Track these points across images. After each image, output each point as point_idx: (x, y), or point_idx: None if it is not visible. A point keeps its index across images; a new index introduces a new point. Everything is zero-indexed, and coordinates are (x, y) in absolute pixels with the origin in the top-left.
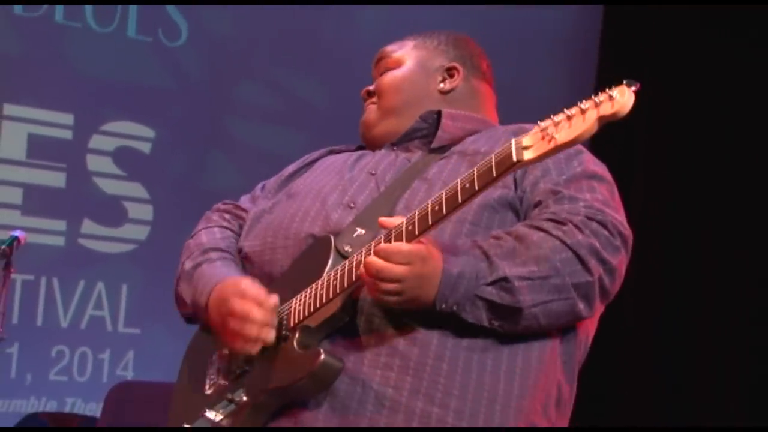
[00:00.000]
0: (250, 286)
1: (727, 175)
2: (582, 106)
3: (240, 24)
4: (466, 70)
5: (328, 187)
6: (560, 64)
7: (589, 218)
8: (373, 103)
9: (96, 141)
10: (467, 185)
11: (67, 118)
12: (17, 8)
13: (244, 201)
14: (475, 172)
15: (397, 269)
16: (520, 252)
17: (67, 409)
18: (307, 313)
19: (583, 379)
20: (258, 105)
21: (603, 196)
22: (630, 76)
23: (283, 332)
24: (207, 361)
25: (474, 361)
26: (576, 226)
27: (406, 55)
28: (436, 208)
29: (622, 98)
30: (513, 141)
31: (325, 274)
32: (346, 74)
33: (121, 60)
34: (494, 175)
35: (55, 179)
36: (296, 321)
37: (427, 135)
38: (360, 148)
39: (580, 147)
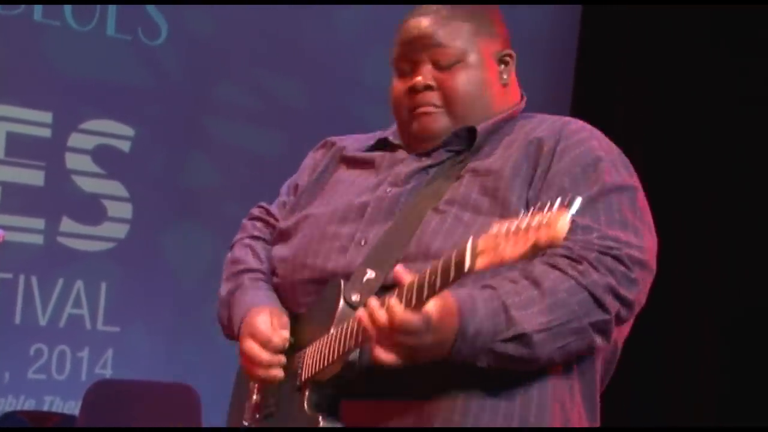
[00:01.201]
0: (260, 324)
1: (705, 175)
2: (525, 225)
3: (220, 24)
4: (513, 51)
5: (341, 212)
6: (538, 65)
7: (603, 253)
8: (436, 106)
9: (75, 139)
10: (432, 279)
11: (46, 117)
12: None
13: (275, 206)
14: (439, 267)
15: (400, 338)
16: (538, 300)
17: (45, 408)
18: (316, 370)
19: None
20: (237, 104)
21: (621, 216)
22: (607, 76)
23: (298, 383)
24: (248, 387)
25: (486, 405)
26: (591, 264)
27: (469, 45)
28: (423, 287)
29: (556, 227)
30: (469, 245)
31: (332, 327)
32: (325, 74)
33: (101, 58)
34: (450, 278)
35: (34, 177)
36: (308, 375)
37: (458, 151)
38: (378, 141)
39: (597, 152)
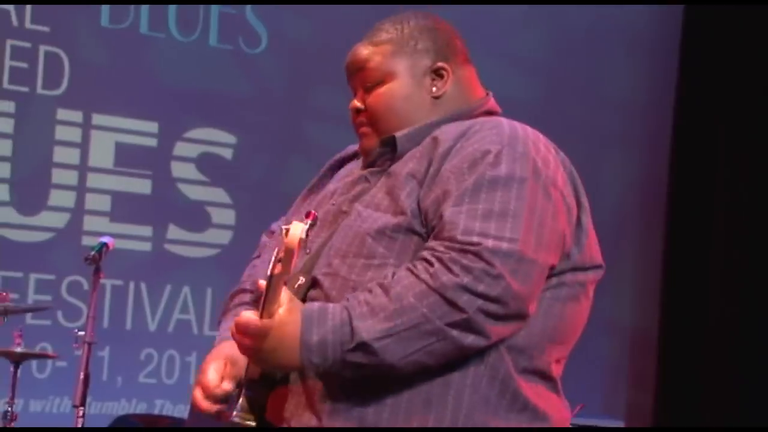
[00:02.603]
0: (209, 373)
1: None
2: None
3: (318, 28)
4: (451, 63)
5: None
6: (640, 64)
7: (463, 251)
8: (365, 125)
9: (180, 148)
10: (267, 283)
11: (152, 126)
12: (104, 20)
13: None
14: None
15: (241, 339)
16: (385, 307)
17: (156, 411)
18: (247, 369)
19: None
20: (337, 108)
21: (496, 207)
22: (711, 76)
23: (242, 381)
24: None
25: (403, 397)
26: (445, 266)
27: (389, 65)
28: (264, 292)
29: (290, 234)
30: (274, 255)
31: None
32: None
33: (204, 68)
34: (269, 284)
35: (142, 186)
36: (245, 377)
37: (390, 158)
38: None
39: (488, 147)
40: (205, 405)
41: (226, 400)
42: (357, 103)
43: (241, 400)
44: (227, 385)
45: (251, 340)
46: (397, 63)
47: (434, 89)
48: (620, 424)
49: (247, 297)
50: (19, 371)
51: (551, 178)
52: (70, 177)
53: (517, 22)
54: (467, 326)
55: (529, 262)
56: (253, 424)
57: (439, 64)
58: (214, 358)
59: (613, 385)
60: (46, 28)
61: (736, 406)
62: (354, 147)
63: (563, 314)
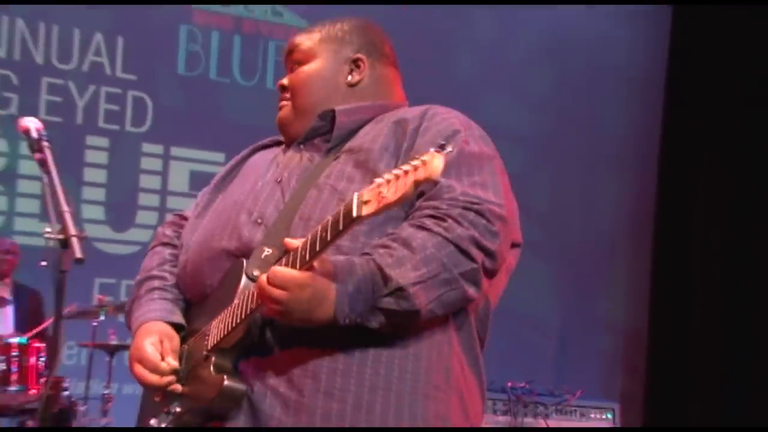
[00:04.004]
0: (147, 349)
1: None
2: (404, 169)
3: None
4: (371, 58)
5: (241, 199)
6: (632, 100)
7: (467, 209)
8: (287, 99)
9: None
10: (324, 234)
11: (220, 157)
12: (181, 69)
13: (189, 210)
14: (329, 221)
15: (276, 292)
16: (409, 257)
17: None
18: (220, 337)
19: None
20: None
21: (481, 178)
22: (693, 110)
23: (204, 353)
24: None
25: (369, 356)
26: (455, 220)
27: (315, 48)
28: (316, 242)
29: (431, 164)
30: (355, 196)
31: (236, 299)
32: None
33: (262, 107)
34: (341, 228)
35: None
36: (213, 344)
37: (326, 133)
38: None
39: (456, 126)
40: (154, 378)
41: (174, 373)
42: (283, 81)
43: (213, 367)
44: (172, 361)
45: (290, 293)
46: (322, 48)
47: (350, 77)
48: (615, 407)
49: (155, 283)
50: (113, 360)
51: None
52: (153, 200)
53: (525, 63)
54: (473, 277)
55: (509, 227)
56: (243, 387)
57: (359, 55)
58: (146, 335)
59: (610, 374)
60: (133, 77)
61: (717, 392)
62: (263, 141)
63: (503, 284)
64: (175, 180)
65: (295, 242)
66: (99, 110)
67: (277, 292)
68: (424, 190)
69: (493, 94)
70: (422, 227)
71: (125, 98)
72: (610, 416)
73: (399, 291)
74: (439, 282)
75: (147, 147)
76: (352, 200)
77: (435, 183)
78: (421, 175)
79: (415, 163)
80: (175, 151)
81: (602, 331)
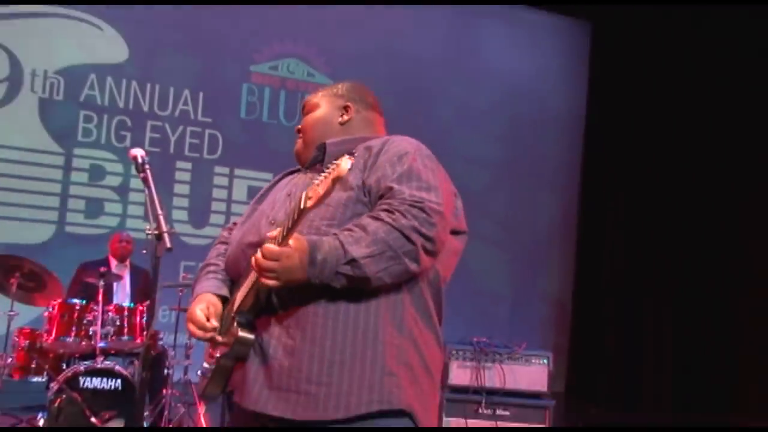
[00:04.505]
0: (197, 313)
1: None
2: (326, 173)
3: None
4: (357, 105)
5: (267, 209)
6: (560, 138)
7: (412, 206)
8: (301, 137)
9: None
10: (288, 222)
11: (268, 176)
12: (242, 114)
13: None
14: (290, 213)
15: (269, 264)
16: (364, 238)
17: None
18: (240, 302)
19: None
20: None
21: (425, 184)
22: (608, 146)
23: (231, 315)
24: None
25: (341, 312)
26: (401, 213)
27: (319, 102)
28: (285, 227)
29: (341, 165)
30: (303, 194)
31: (250, 276)
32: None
33: None
34: (296, 217)
35: None
36: (236, 308)
37: (322, 160)
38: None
39: (406, 149)
40: (200, 333)
41: (214, 330)
42: (299, 126)
43: (235, 323)
44: (214, 321)
45: (277, 263)
46: (324, 101)
47: (341, 118)
48: (549, 355)
49: (211, 268)
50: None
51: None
52: (221, 206)
53: (486, 109)
54: (414, 256)
55: (446, 218)
56: (252, 336)
57: (348, 103)
58: (198, 303)
59: (545, 331)
60: (209, 119)
61: (621, 340)
62: (290, 169)
63: (454, 261)
64: (237, 192)
65: (274, 230)
66: (185, 143)
67: (269, 263)
68: (382, 193)
69: (466, 132)
70: (377, 218)
71: (203, 135)
72: (545, 361)
73: (353, 261)
74: (385, 258)
75: (218, 169)
76: (302, 197)
77: (342, 178)
78: (335, 173)
79: (331, 167)
80: (237, 171)
81: (541, 300)
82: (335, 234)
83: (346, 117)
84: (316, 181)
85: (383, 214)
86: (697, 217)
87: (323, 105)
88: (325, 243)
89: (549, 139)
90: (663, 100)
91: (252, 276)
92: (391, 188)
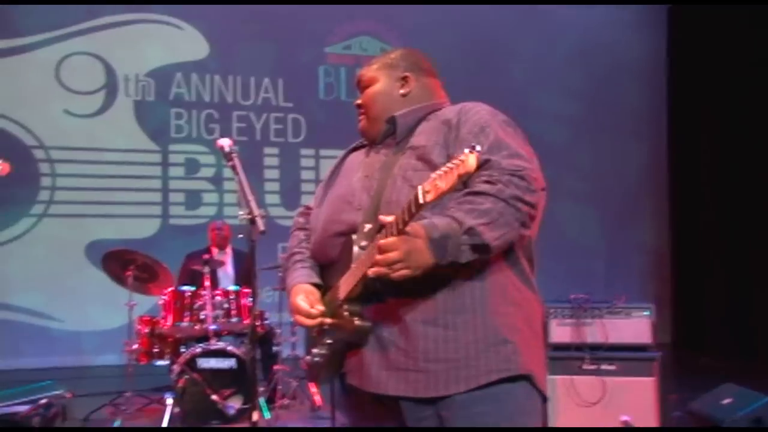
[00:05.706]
0: (300, 303)
1: None
2: (449, 166)
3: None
4: (415, 74)
5: (343, 192)
6: (646, 85)
7: (512, 175)
8: (363, 113)
9: None
10: (404, 215)
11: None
12: (321, 95)
13: (311, 202)
14: (406, 207)
15: (392, 256)
16: (474, 210)
17: None
18: (347, 291)
19: None
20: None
21: (516, 152)
22: (694, 93)
23: (339, 302)
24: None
25: (447, 289)
26: (504, 184)
27: (375, 75)
28: (401, 219)
29: (468, 162)
30: (420, 188)
31: (352, 264)
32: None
33: None
34: (414, 211)
35: None
36: (344, 296)
37: (393, 133)
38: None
39: (484, 121)
40: (309, 321)
41: (321, 315)
42: (358, 101)
43: (347, 312)
44: (319, 307)
45: (397, 253)
46: (380, 74)
47: (402, 90)
48: (651, 306)
49: (297, 257)
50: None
51: None
52: (310, 187)
53: (562, 64)
54: (523, 220)
55: (542, 185)
56: (369, 324)
57: (406, 73)
58: (296, 294)
59: (645, 283)
60: (291, 104)
61: (722, 289)
62: (353, 145)
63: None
64: (323, 171)
65: (388, 218)
66: (270, 130)
67: (392, 255)
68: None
69: (543, 89)
70: (481, 192)
71: (287, 120)
72: (647, 313)
73: (471, 230)
74: (500, 224)
75: (304, 151)
76: (418, 191)
77: (471, 174)
78: (462, 170)
79: (456, 162)
80: (323, 152)
81: (637, 252)
82: (446, 211)
83: (407, 88)
84: (435, 174)
85: (486, 186)
86: None
87: (381, 78)
88: (438, 221)
89: (629, 88)
90: (750, 37)
91: (359, 269)
92: (488, 160)
